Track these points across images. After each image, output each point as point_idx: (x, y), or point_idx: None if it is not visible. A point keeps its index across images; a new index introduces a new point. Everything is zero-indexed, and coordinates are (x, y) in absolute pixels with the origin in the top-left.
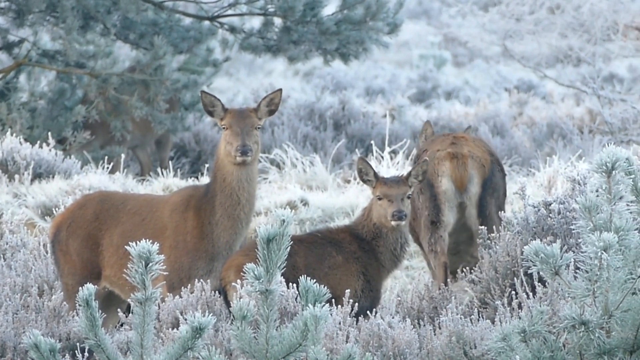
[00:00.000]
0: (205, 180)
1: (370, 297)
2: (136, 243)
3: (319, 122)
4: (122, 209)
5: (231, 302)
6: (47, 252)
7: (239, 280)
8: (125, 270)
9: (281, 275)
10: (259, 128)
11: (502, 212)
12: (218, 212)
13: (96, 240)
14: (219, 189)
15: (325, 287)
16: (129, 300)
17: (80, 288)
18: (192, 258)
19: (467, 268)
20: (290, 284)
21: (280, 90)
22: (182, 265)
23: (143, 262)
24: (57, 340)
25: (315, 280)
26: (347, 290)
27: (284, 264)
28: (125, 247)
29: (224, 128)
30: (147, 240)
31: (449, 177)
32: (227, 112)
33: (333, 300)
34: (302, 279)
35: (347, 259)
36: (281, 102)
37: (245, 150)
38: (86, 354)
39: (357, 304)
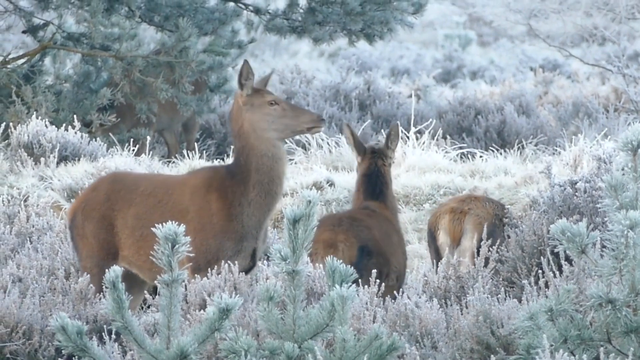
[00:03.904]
0: (226, 161)
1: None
2: (154, 226)
3: (345, 102)
4: (135, 190)
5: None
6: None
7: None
8: (142, 252)
9: (365, 248)
10: None
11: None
12: (253, 191)
13: (110, 222)
14: (254, 168)
15: (395, 264)
16: (147, 280)
17: (106, 270)
18: (221, 240)
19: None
20: (373, 255)
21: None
22: (210, 248)
23: (169, 244)
24: (84, 323)
25: (388, 254)
26: (374, 271)
27: (369, 237)
28: (142, 229)
29: (270, 104)
30: (167, 222)
31: (445, 230)
32: (260, 89)
33: (397, 277)
34: (328, 259)
35: (399, 234)
36: (300, 82)
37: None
38: (113, 335)
39: (397, 280)
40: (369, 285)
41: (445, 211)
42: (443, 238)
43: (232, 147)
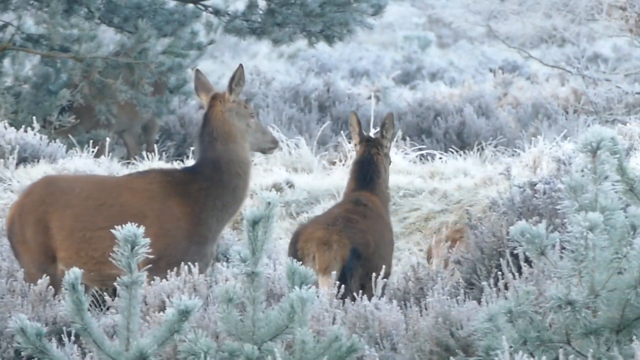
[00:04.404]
0: (186, 162)
1: None
2: (98, 228)
3: (304, 104)
4: (69, 192)
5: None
6: None
7: (319, 254)
8: (83, 254)
9: (356, 251)
10: None
11: None
12: (231, 194)
13: (46, 224)
14: (234, 172)
15: (386, 267)
16: (86, 283)
17: (49, 274)
18: (187, 244)
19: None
20: (363, 258)
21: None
22: (174, 252)
23: (129, 246)
24: (44, 324)
25: (378, 258)
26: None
27: (361, 241)
28: (84, 231)
29: (251, 117)
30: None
31: (438, 257)
32: (240, 99)
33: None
34: (288, 261)
35: (389, 228)
36: (265, 84)
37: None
38: (73, 337)
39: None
40: (356, 288)
41: (440, 239)
42: (436, 264)
43: (193, 148)
